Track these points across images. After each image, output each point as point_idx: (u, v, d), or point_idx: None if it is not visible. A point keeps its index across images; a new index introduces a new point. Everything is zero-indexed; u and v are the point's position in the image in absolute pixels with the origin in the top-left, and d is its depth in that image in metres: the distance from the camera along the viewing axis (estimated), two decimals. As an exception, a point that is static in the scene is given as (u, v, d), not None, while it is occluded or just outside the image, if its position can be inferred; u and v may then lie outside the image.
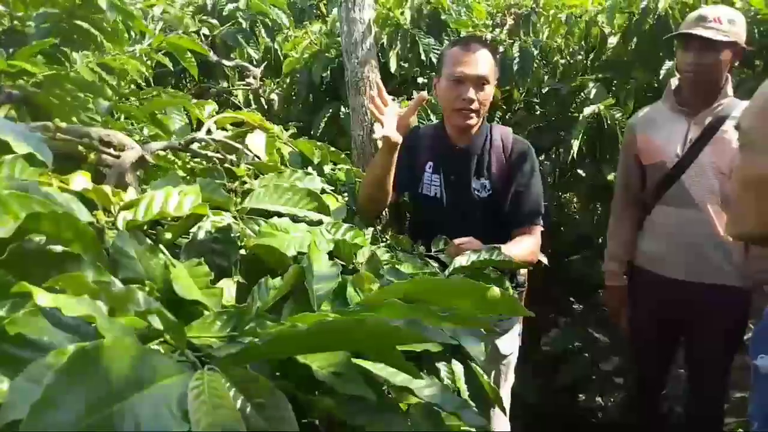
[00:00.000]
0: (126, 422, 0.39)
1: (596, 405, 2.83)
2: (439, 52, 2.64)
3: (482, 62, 1.73)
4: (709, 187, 1.96)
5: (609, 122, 2.48)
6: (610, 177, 2.58)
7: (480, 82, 1.72)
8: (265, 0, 3.17)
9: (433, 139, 1.87)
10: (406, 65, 2.80)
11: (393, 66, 2.63)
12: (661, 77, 2.53)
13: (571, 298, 3.10)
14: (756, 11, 2.46)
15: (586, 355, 2.92)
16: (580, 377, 2.83)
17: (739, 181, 0.75)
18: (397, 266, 0.91)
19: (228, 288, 0.85)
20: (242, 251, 0.96)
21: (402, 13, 2.65)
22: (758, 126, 0.72)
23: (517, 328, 1.94)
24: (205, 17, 3.29)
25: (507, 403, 1.90)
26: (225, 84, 3.59)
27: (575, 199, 3.28)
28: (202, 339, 0.64)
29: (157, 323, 0.54)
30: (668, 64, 2.50)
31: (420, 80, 2.97)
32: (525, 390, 2.15)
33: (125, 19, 1.85)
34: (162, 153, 1.45)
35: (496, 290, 0.58)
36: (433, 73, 2.91)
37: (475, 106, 1.73)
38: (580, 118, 2.51)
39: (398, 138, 1.63)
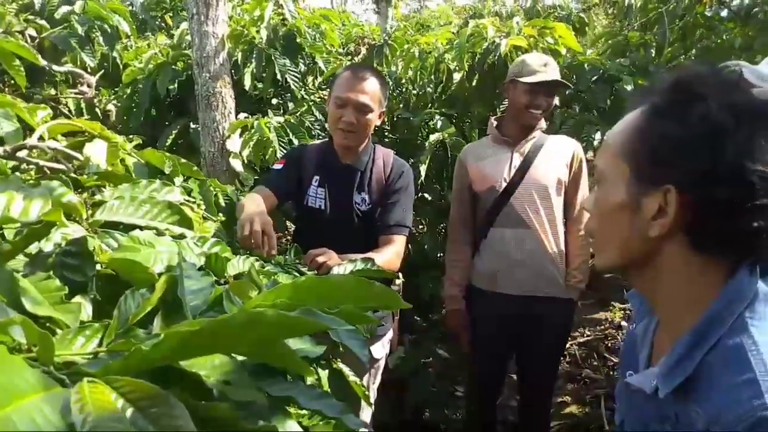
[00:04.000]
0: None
1: (441, 418, 2.95)
2: (294, 73, 2.66)
3: (368, 89, 1.85)
4: (535, 207, 2.21)
5: (452, 150, 2.68)
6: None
7: (362, 108, 1.85)
8: (104, 6, 2.96)
9: (320, 155, 1.99)
10: (261, 84, 2.77)
11: (248, 83, 2.59)
12: (498, 112, 2.79)
13: (417, 317, 3.24)
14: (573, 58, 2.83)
15: (430, 370, 3.06)
16: (426, 393, 2.95)
17: (598, 214, 0.85)
18: (274, 276, 0.90)
19: (84, 305, 0.77)
20: (97, 267, 0.88)
21: (257, 32, 2.62)
22: (604, 162, 0.83)
23: (389, 335, 2.08)
24: (31, 17, 2.98)
25: (373, 398, 2.07)
26: (53, 91, 3.26)
27: (423, 222, 3.45)
28: (63, 357, 0.57)
29: (18, 336, 0.47)
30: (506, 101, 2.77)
31: (275, 101, 2.95)
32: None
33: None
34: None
35: (379, 285, 0.61)
36: (288, 95, 2.92)
37: (354, 128, 1.85)
38: (427, 145, 2.69)
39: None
